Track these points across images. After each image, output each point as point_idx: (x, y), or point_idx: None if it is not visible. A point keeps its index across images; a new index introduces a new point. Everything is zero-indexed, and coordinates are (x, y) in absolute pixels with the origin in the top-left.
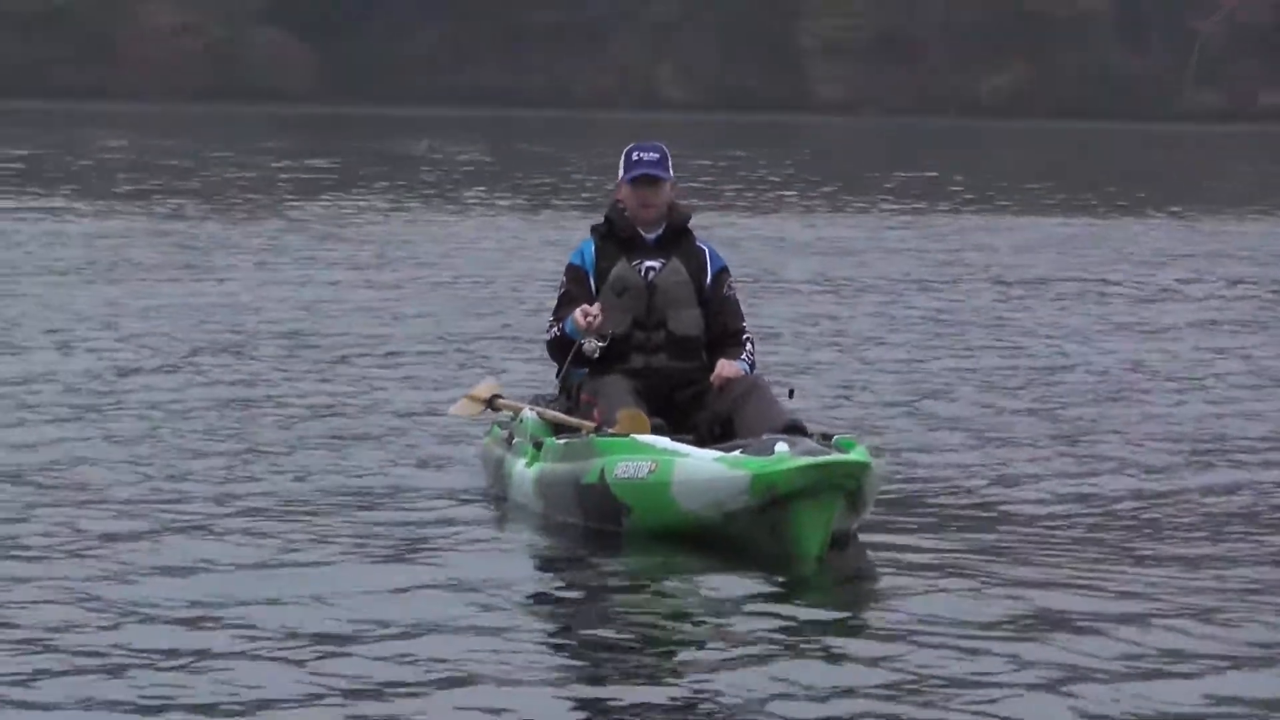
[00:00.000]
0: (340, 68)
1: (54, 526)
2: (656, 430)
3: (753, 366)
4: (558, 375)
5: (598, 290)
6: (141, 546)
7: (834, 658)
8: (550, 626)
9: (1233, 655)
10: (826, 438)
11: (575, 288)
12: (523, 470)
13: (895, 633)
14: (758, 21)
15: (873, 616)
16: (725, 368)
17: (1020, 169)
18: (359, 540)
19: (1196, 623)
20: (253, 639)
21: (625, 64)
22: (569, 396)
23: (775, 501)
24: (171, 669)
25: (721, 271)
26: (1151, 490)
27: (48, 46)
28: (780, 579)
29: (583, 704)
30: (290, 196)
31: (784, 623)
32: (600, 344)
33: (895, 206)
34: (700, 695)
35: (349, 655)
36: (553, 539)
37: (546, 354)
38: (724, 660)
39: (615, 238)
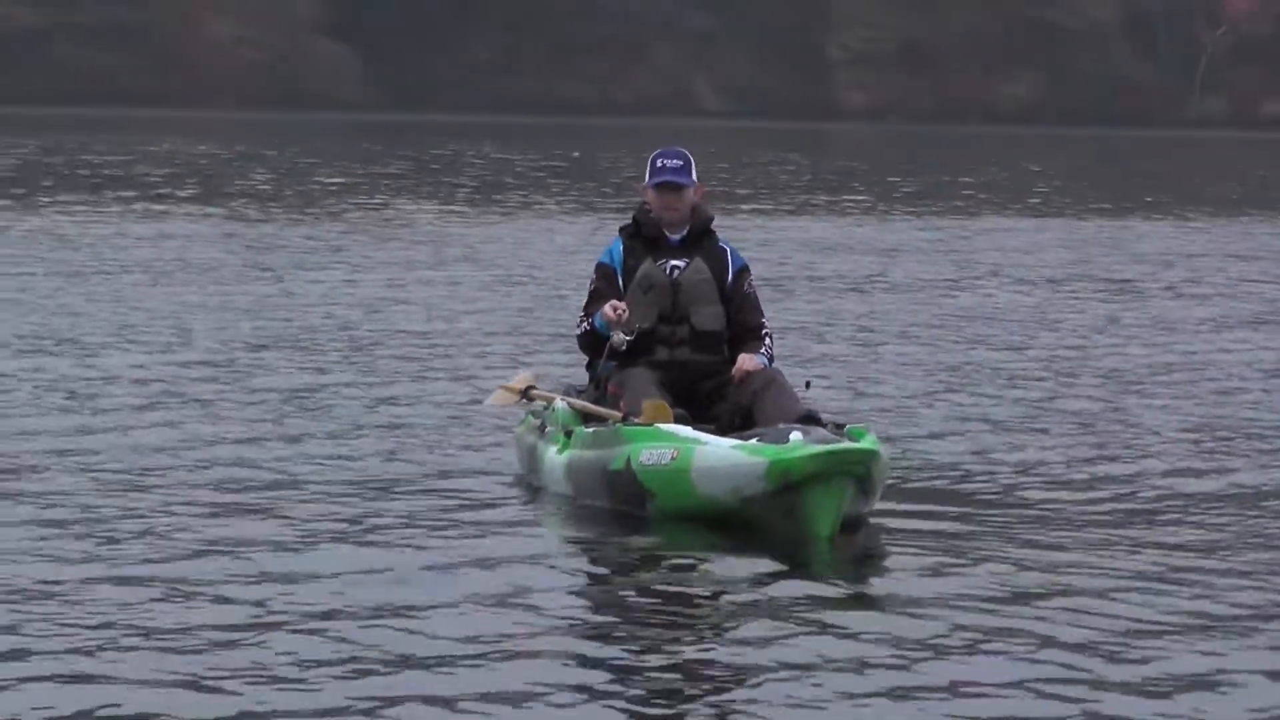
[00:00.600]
0: (392, 77)
1: (122, 509)
2: (679, 420)
3: (771, 360)
4: (588, 368)
5: (625, 288)
6: (194, 525)
7: (843, 634)
8: (576, 601)
9: (1233, 629)
10: (839, 427)
11: (604, 285)
12: (554, 457)
13: (901, 609)
14: (789, 34)
15: (880, 594)
16: (745, 361)
17: (1038, 173)
18: (402, 519)
19: (1201, 600)
20: (303, 611)
21: (666, 73)
22: (598, 387)
23: (789, 487)
24: (227, 644)
25: (742, 270)
26: (1161, 478)
27: (117, 57)
28: (793, 559)
29: (602, 672)
30: (351, 199)
31: (795, 598)
32: (627, 337)
33: (918, 208)
34: (713, 666)
35: (385, 626)
36: (581, 521)
37: (578, 348)
38: (738, 635)
39: (642, 238)
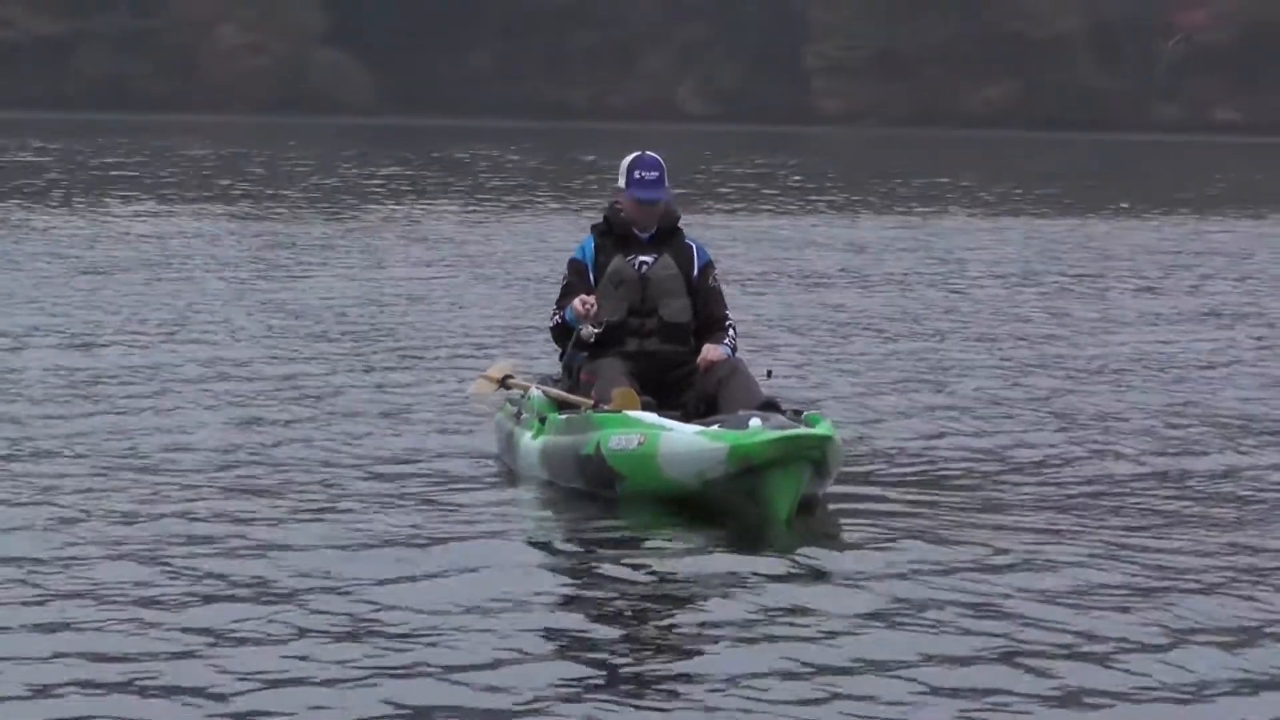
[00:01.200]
0: (397, 83)
1: (105, 496)
2: (647, 407)
3: (735, 350)
4: (560, 358)
5: (597, 282)
6: (176, 511)
7: (800, 608)
8: (546, 576)
9: (1171, 599)
10: (797, 414)
11: (576, 280)
12: (529, 442)
13: (854, 584)
14: (771, 43)
15: (835, 570)
16: (710, 352)
17: (1007, 175)
18: (386, 497)
19: (1144, 575)
20: (276, 590)
21: (654, 80)
22: (571, 376)
23: (749, 470)
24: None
25: (707, 265)
26: (1111, 462)
27: (132, 63)
28: (753, 537)
29: (569, 644)
30: (360, 200)
31: (755, 575)
32: (596, 330)
33: (889, 207)
34: (675, 639)
35: (359, 597)
36: (554, 502)
37: (550, 339)
38: (698, 606)
39: (613, 235)
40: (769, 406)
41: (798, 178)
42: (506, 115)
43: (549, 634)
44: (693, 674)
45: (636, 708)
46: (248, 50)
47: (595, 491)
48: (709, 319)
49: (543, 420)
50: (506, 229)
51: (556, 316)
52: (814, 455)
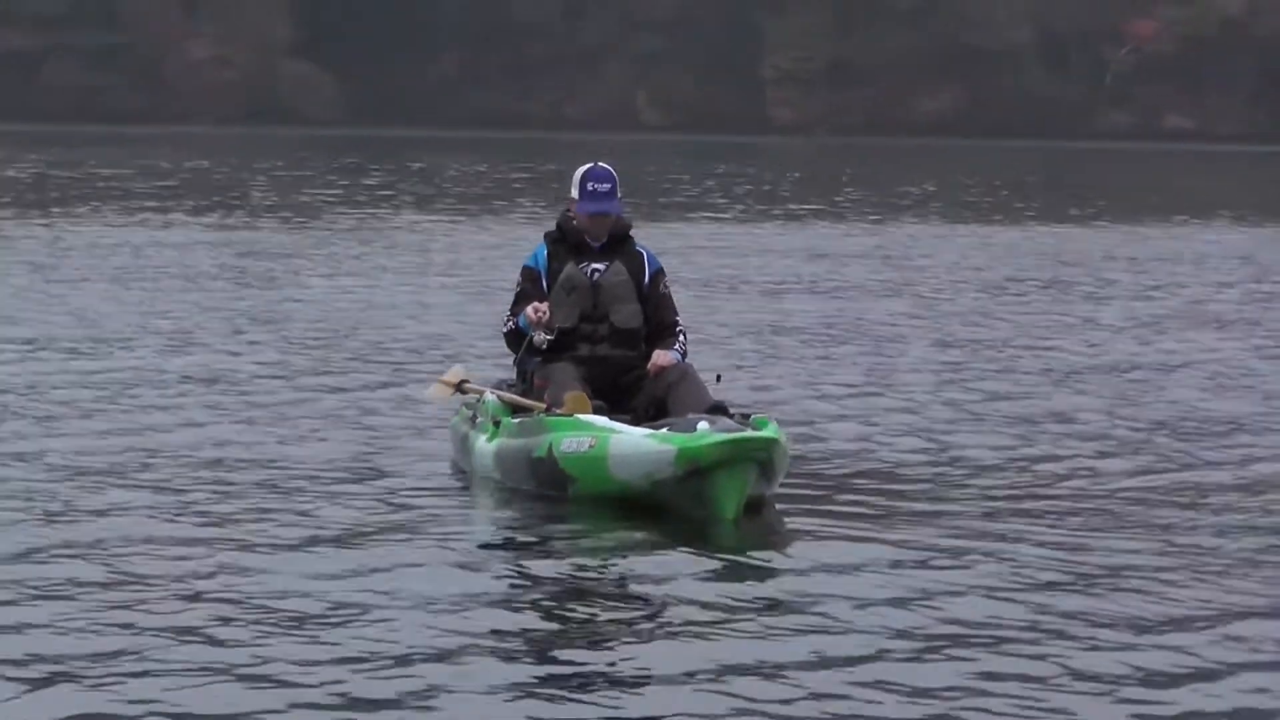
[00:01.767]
0: (362, 94)
1: (72, 504)
2: (598, 411)
3: (685, 355)
4: (514, 363)
5: (549, 289)
6: (127, 517)
7: (746, 605)
8: (498, 575)
9: (1124, 588)
10: (745, 417)
11: (529, 286)
12: (484, 445)
13: (798, 582)
14: (726, 55)
15: (780, 568)
16: (660, 357)
17: (959, 183)
18: (337, 498)
19: (1091, 559)
20: (237, 583)
21: (612, 91)
22: (524, 381)
23: (697, 472)
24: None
25: (658, 272)
26: (1076, 467)
27: (103, 76)
28: (701, 537)
29: (512, 643)
30: (332, 209)
31: (702, 572)
32: (548, 336)
33: (842, 215)
34: (623, 638)
35: (308, 591)
36: (507, 503)
37: (505, 344)
38: (646, 605)
39: (566, 243)
40: (717, 410)
41: (751, 186)
42: (470, 126)
43: (496, 631)
44: (637, 670)
45: (581, 703)
46: (215, 63)
47: (547, 493)
48: (659, 325)
49: (497, 424)
50: (469, 236)
51: (510, 322)
52: (760, 457)
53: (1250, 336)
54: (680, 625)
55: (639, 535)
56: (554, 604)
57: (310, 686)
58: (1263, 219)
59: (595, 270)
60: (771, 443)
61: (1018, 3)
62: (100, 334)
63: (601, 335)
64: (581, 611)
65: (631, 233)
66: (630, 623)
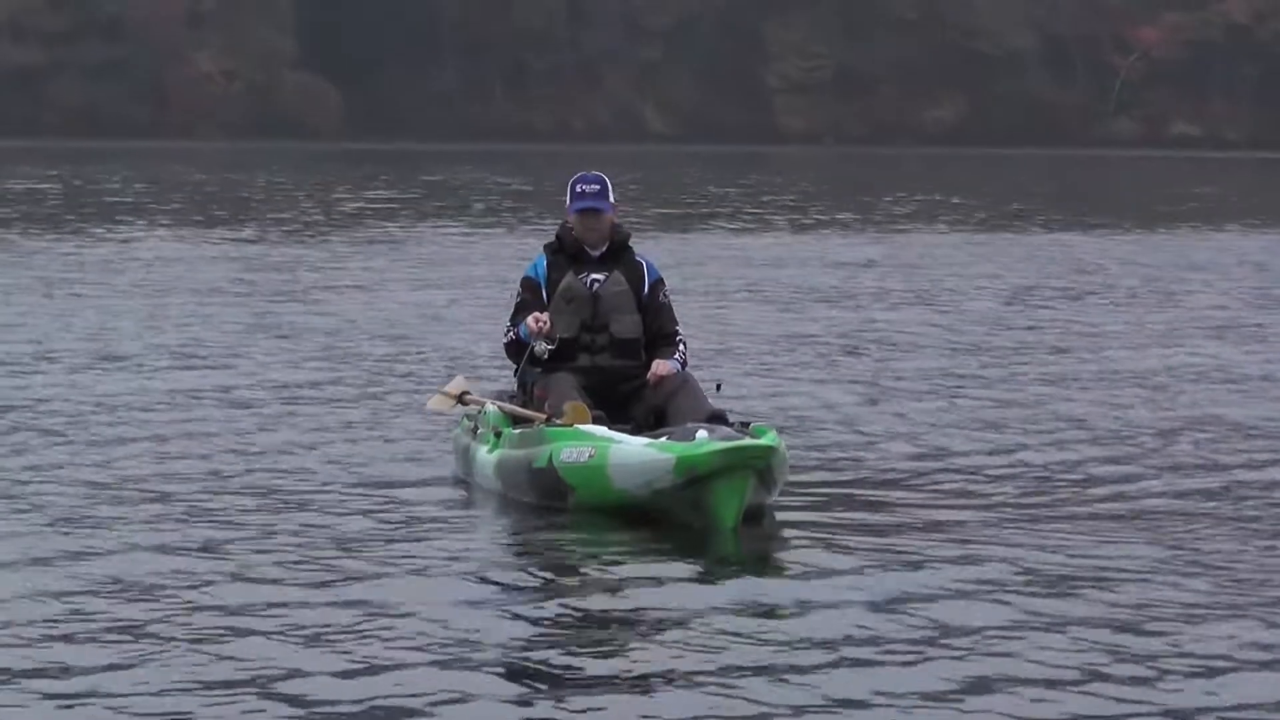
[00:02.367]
0: (365, 107)
1: (72, 516)
2: (598, 421)
3: (684, 364)
4: (515, 374)
5: (549, 299)
6: (138, 528)
7: (746, 611)
8: (496, 587)
9: (1119, 588)
10: (744, 425)
11: (529, 297)
12: (485, 456)
13: (799, 590)
14: (731, 63)
15: (782, 577)
16: (660, 366)
17: (966, 190)
18: (339, 508)
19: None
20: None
21: (617, 101)
22: (525, 391)
23: (696, 480)
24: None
25: (657, 282)
26: (1066, 471)
27: (106, 90)
28: (700, 544)
29: (511, 651)
30: (340, 222)
31: (703, 581)
32: (549, 346)
33: (849, 225)
34: (624, 646)
35: (310, 601)
36: (508, 513)
37: (505, 355)
38: (647, 612)
39: (565, 253)
40: (717, 419)
41: (761, 195)
42: (472, 138)
43: (498, 640)
44: (638, 679)
45: (581, 712)
46: (220, 77)
47: (548, 504)
48: (659, 334)
49: (498, 434)
50: (480, 250)
51: (511, 333)
52: (759, 465)
53: (1260, 341)
54: (680, 634)
55: (639, 544)
56: (554, 613)
57: (314, 695)
58: (1273, 225)
59: (595, 280)
60: (771, 451)
61: (1021, 9)
62: (109, 348)
63: (601, 345)
64: (581, 620)
65: (632, 243)
66: (630, 631)
